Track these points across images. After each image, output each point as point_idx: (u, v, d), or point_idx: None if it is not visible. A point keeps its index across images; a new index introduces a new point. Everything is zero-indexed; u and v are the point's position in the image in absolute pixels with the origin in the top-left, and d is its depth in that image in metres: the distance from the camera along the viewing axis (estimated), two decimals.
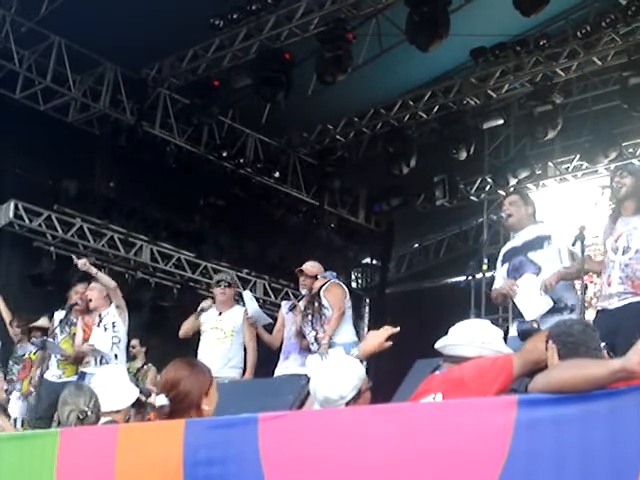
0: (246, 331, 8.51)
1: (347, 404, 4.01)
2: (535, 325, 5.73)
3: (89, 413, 4.50)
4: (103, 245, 13.90)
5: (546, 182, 15.15)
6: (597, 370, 2.76)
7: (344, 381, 4.06)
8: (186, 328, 8.80)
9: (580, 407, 2.75)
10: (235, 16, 12.07)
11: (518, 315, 6.51)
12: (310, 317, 7.95)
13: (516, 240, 6.89)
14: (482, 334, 4.52)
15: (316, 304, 7.95)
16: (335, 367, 4.20)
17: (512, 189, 14.16)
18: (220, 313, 8.72)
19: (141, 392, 5.50)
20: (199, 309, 8.77)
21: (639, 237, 6.04)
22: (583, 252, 6.23)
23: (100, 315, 8.71)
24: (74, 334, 8.74)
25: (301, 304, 8.11)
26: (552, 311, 6.26)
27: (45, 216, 13.24)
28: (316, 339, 7.77)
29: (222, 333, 8.59)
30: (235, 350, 8.40)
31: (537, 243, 6.69)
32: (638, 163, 14.10)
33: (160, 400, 3.88)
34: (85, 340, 8.67)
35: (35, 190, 13.25)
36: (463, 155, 13.85)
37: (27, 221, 13.03)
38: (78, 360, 8.67)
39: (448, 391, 3.97)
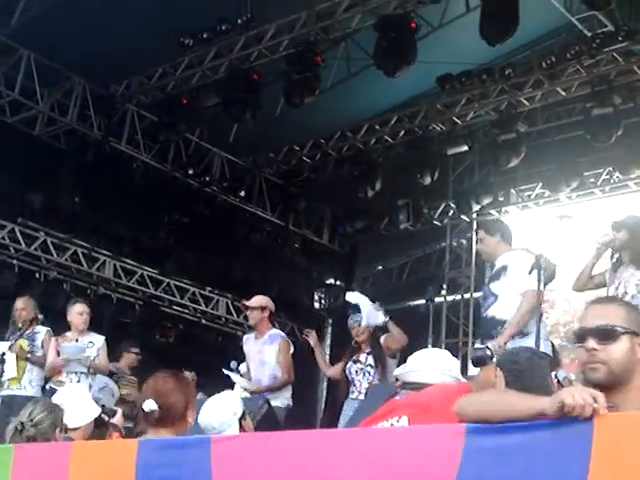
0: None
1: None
2: (488, 352, 5.82)
3: (27, 426, 4.50)
4: (66, 259, 13.86)
5: (508, 209, 15.32)
6: (521, 407, 2.82)
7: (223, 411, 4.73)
8: None
9: (524, 436, 2.81)
10: (205, 35, 12.14)
11: (489, 335, 6.63)
12: (371, 370, 8.26)
13: (493, 269, 7.06)
14: (443, 362, 4.62)
15: (380, 362, 8.24)
16: (216, 400, 4.89)
17: (476, 223, 14.37)
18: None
19: (104, 412, 5.50)
20: None
21: (633, 285, 6.36)
22: (539, 280, 6.35)
23: (77, 340, 8.75)
24: (20, 346, 8.70)
25: (362, 357, 8.36)
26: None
27: (9, 229, 13.19)
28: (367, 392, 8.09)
29: None
30: None
31: (498, 274, 6.84)
32: (600, 193, 14.34)
33: (150, 405, 4.00)
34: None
35: None
36: (427, 180, 13.98)
37: None
38: (50, 374, 8.64)
39: (415, 415, 4.04)
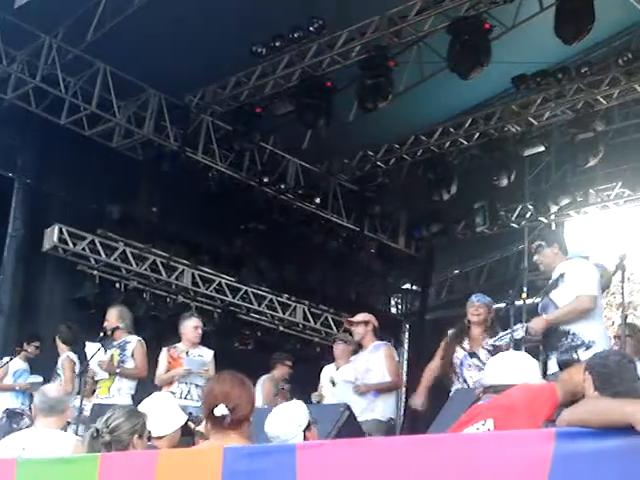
0: None
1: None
2: (575, 356, 5.74)
3: (103, 433, 4.52)
4: (145, 269, 14.03)
5: (587, 209, 15.07)
6: (612, 415, 2.76)
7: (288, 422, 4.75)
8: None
9: (619, 441, 2.74)
10: (277, 44, 12.17)
11: (553, 347, 6.52)
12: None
13: (551, 279, 6.94)
14: (522, 364, 4.57)
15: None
16: (283, 410, 4.89)
17: (553, 216, 14.14)
18: (337, 368, 9.35)
19: (190, 419, 5.51)
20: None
21: None
22: (623, 281, 6.23)
23: (188, 352, 8.84)
24: (112, 355, 8.82)
25: (482, 354, 7.76)
26: (568, 349, 6.28)
27: (89, 240, 13.39)
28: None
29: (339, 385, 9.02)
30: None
31: (556, 282, 6.74)
32: None
33: (221, 410, 4.03)
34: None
35: (79, 214, 13.42)
36: (504, 182, 13.85)
37: (71, 245, 13.19)
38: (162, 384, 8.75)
39: (499, 417, 4.00)
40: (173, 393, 8.45)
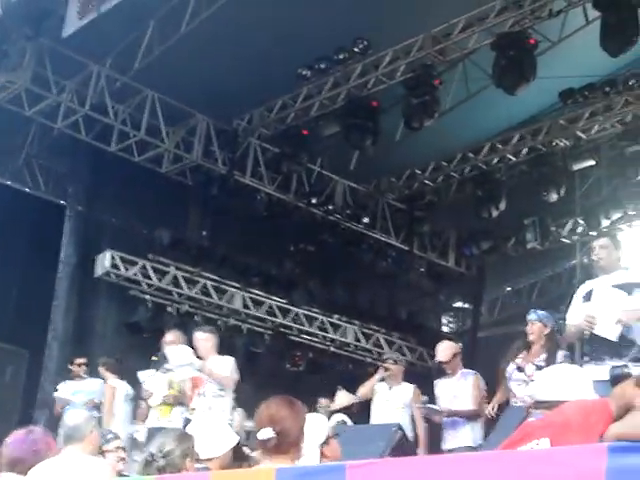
0: (415, 407, 8.97)
1: None
2: (626, 370, 5.65)
3: (157, 457, 4.53)
4: (196, 292, 14.13)
5: None
6: None
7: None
8: (365, 391, 9.33)
9: None
10: (322, 66, 12.27)
11: (617, 354, 6.38)
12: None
13: (602, 282, 6.75)
14: (575, 378, 4.50)
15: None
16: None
17: (604, 231, 13.96)
18: (390, 387, 9.22)
19: (245, 444, 5.50)
20: (379, 377, 9.28)
21: None
22: None
23: None
24: (170, 381, 8.82)
25: (529, 369, 7.54)
26: (635, 360, 6.15)
27: (140, 265, 13.54)
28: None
29: (392, 406, 9.04)
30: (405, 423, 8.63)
31: (626, 289, 6.56)
32: None
33: (266, 433, 3.98)
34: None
35: (130, 240, 13.57)
36: (554, 197, 13.71)
37: (123, 270, 13.34)
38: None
39: (554, 435, 3.92)
40: (193, 409, 8.36)
